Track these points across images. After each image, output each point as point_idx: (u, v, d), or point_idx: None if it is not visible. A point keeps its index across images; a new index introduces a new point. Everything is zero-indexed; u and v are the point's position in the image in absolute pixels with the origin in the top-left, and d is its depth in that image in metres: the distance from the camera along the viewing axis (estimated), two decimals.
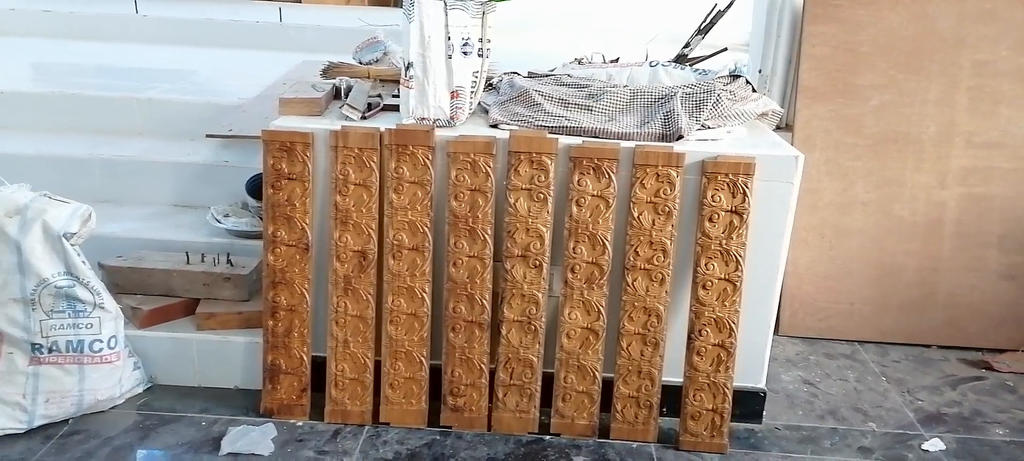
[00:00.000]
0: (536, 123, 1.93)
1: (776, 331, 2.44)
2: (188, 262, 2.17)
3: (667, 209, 1.83)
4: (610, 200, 1.84)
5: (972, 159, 2.44)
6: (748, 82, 2.12)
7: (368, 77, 2.18)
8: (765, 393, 2.06)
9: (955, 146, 2.44)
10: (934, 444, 2.01)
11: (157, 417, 1.97)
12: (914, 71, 2.41)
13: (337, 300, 1.93)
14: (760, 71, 2.61)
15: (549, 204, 1.85)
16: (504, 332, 1.93)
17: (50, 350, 1.89)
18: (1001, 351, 2.49)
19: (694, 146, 1.86)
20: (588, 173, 1.83)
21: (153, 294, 2.14)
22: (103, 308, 1.92)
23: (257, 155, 1.96)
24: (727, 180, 1.81)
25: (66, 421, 1.93)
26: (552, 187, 1.84)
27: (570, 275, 1.88)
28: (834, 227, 2.49)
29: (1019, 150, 2.43)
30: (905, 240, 2.48)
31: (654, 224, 1.84)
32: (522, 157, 1.83)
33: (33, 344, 1.88)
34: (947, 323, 2.53)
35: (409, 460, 1.86)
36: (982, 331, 2.52)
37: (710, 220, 1.83)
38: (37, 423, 1.89)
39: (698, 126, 1.91)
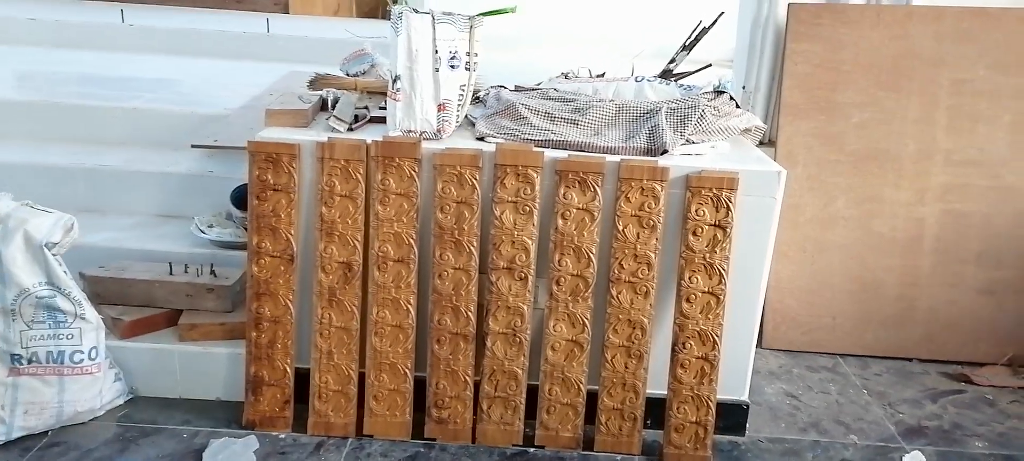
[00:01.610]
0: (522, 136, 1.94)
1: (759, 344, 2.46)
2: (171, 273, 2.16)
3: (652, 223, 1.85)
4: (595, 213, 1.85)
5: (950, 176, 2.48)
6: (732, 98, 2.15)
7: (355, 89, 2.18)
8: (748, 406, 2.07)
9: (934, 163, 2.48)
10: (915, 457, 2.03)
11: (138, 429, 1.95)
12: (894, 89, 2.45)
13: (321, 311, 1.92)
14: (744, 87, 2.64)
15: (535, 217, 1.86)
16: (489, 344, 1.93)
17: (30, 361, 1.87)
18: (981, 365, 2.52)
19: (678, 161, 1.88)
20: (574, 186, 1.84)
21: (135, 305, 2.12)
22: (84, 319, 1.91)
23: (242, 166, 1.96)
24: (711, 194, 1.83)
25: (45, 433, 1.90)
26: (538, 200, 1.85)
27: (555, 288, 1.89)
28: (815, 242, 2.52)
29: (996, 168, 2.47)
30: (885, 255, 2.52)
31: (639, 237, 1.86)
32: (508, 170, 1.84)
33: (12, 354, 1.86)
34: (927, 337, 2.56)
35: None
36: (961, 345, 2.55)
37: (694, 234, 1.85)
38: (15, 435, 1.87)
39: (683, 141, 1.93)
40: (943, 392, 2.39)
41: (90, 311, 1.93)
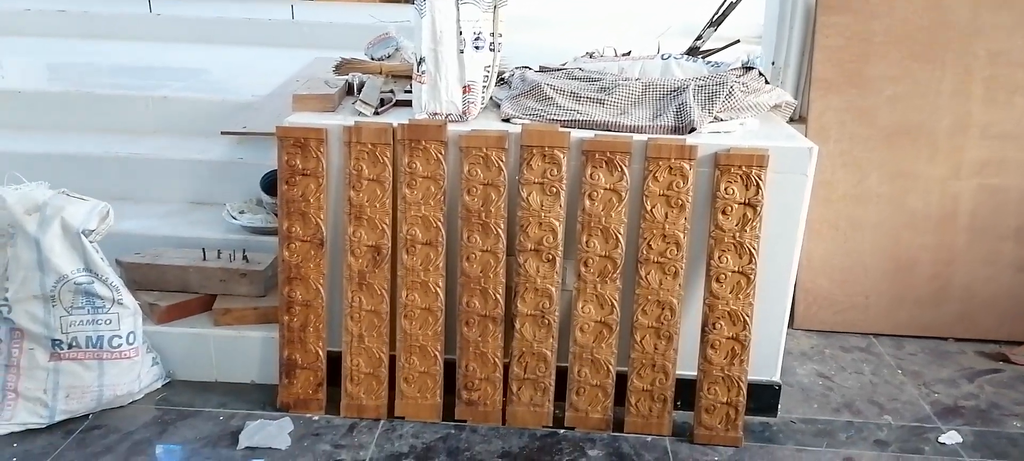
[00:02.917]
0: (548, 117, 1.93)
1: (791, 324, 2.42)
2: (204, 258, 2.19)
3: (680, 202, 1.83)
4: (623, 193, 1.84)
5: (987, 150, 2.42)
6: (761, 74, 2.11)
7: (380, 73, 2.19)
8: (780, 386, 2.05)
9: (970, 137, 2.42)
10: (951, 437, 2.00)
11: (175, 412, 1.99)
12: (928, 61, 2.39)
13: (352, 295, 1.94)
14: (773, 63, 2.60)
15: (562, 198, 1.85)
16: (518, 326, 1.93)
17: (70, 346, 1.91)
18: (1018, 343, 2.47)
19: (707, 138, 1.86)
20: (600, 166, 1.83)
21: (170, 290, 2.16)
22: (121, 304, 1.95)
23: (271, 152, 1.97)
24: (740, 172, 1.81)
25: (86, 416, 1.95)
26: (564, 181, 1.84)
27: (583, 269, 1.89)
28: (848, 219, 2.48)
29: None
30: (920, 233, 2.47)
31: (667, 217, 1.84)
32: (534, 151, 1.84)
33: (53, 340, 1.90)
34: (963, 316, 2.51)
35: (424, 454, 1.87)
36: (998, 324, 2.50)
37: (723, 213, 1.83)
38: (58, 418, 1.92)
39: (711, 118, 1.90)
40: (980, 371, 2.34)
41: (127, 297, 1.97)
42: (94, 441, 1.87)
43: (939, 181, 2.44)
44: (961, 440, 1.99)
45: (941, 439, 2.00)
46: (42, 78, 3.43)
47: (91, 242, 1.89)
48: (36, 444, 1.85)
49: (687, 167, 1.81)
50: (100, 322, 1.93)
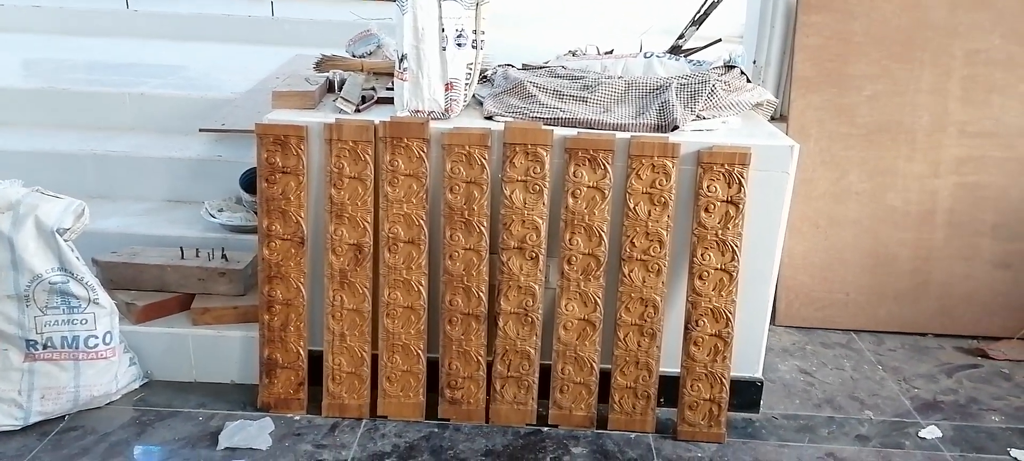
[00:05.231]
0: (531, 115, 1.93)
1: (772, 321, 2.45)
2: (182, 257, 2.16)
3: (663, 200, 1.83)
4: (606, 191, 1.84)
5: (965, 148, 2.45)
6: (743, 73, 2.12)
7: (362, 70, 2.17)
8: (762, 382, 2.06)
9: (948, 135, 2.44)
10: (931, 431, 2.02)
11: (154, 412, 1.96)
12: (907, 60, 2.41)
13: (333, 294, 1.92)
14: (755, 62, 2.61)
15: (545, 196, 1.85)
16: (501, 324, 1.92)
17: (45, 346, 1.88)
18: (996, 339, 2.50)
19: (689, 136, 1.86)
20: (584, 164, 1.83)
21: (148, 290, 2.13)
22: (98, 304, 1.91)
23: (250, 149, 1.95)
24: (723, 170, 1.81)
25: (62, 417, 1.92)
26: (548, 179, 1.84)
27: (566, 267, 1.88)
28: (828, 217, 2.50)
29: (1011, 139, 2.44)
30: (899, 229, 2.49)
31: (650, 215, 1.84)
32: (517, 149, 1.83)
33: (28, 340, 1.87)
34: (942, 312, 2.54)
35: (407, 453, 1.86)
36: (976, 319, 2.54)
37: (706, 210, 1.83)
38: (33, 420, 1.88)
39: (693, 116, 1.91)
40: (958, 367, 2.37)
41: (103, 296, 1.93)
42: (70, 443, 1.84)
43: (918, 178, 2.47)
44: (941, 434, 2.02)
45: (921, 434, 2.02)
46: (17, 74, 3.37)
47: (66, 241, 1.86)
48: (10, 446, 1.82)
49: (670, 165, 1.81)
50: (76, 322, 1.89)
